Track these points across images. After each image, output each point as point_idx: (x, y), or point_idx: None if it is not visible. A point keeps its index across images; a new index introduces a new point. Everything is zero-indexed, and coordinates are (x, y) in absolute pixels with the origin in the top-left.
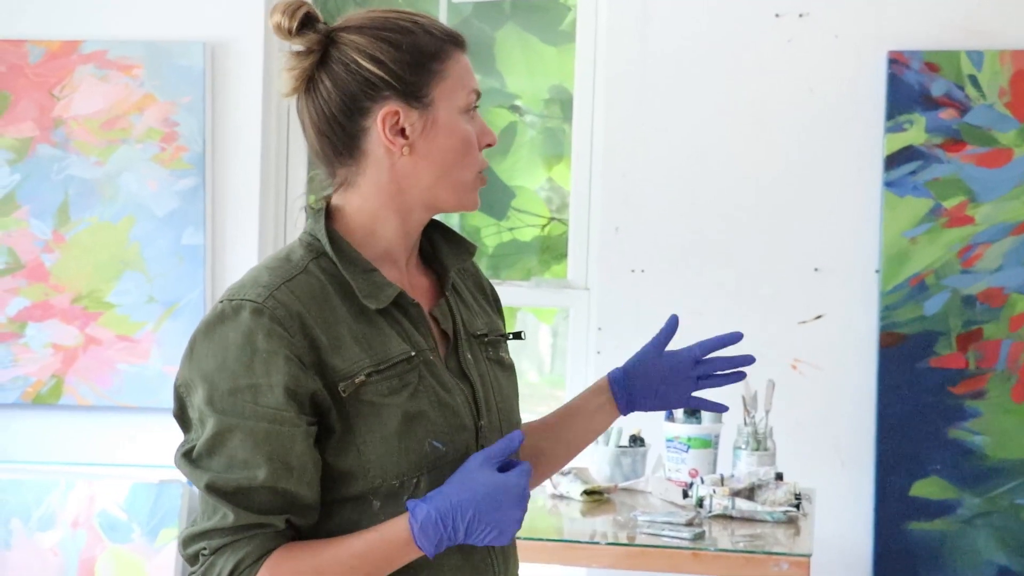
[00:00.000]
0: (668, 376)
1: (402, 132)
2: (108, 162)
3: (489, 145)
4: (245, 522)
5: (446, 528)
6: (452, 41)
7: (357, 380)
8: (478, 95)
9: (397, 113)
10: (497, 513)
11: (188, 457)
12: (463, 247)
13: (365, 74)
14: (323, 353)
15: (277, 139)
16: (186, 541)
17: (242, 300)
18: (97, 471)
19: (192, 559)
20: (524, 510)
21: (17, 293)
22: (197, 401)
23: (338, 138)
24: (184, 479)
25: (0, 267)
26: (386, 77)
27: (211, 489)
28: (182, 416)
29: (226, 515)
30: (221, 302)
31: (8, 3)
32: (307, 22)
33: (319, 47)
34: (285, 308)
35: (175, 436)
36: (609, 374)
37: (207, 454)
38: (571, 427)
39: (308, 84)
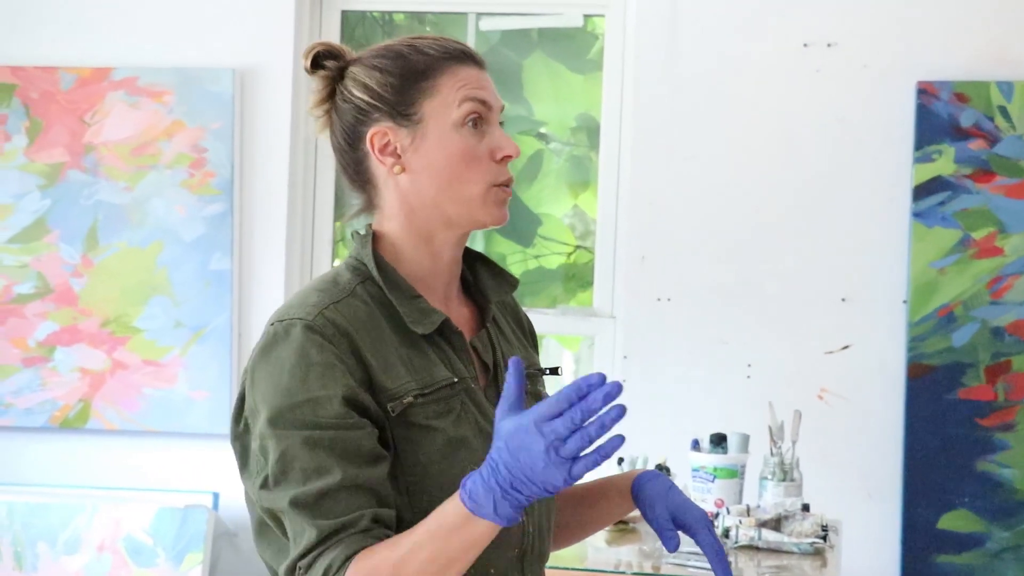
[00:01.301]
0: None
1: (394, 152)
2: (137, 188)
3: (507, 157)
4: (329, 530)
5: (496, 488)
6: (447, 57)
7: (405, 400)
8: (485, 105)
9: (386, 133)
10: (521, 453)
11: (266, 487)
12: (505, 280)
13: (356, 101)
14: (372, 372)
15: (305, 165)
16: (287, 572)
17: (292, 319)
18: (123, 495)
19: None
20: (550, 441)
21: (46, 317)
22: (259, 428)
23: (351, 167)
24: (210, 504)
25: (30, 291)
26: (372, 100)
27: (296, 505)
28: (243, 453)
29: (309, 531)
30: (272, 324)
31: (41, 31)
32: (316, 62)
33: (329, 84)
34: (334, 326)
35: (201, 460)
36: (635, 482)
37: (282, 474)
38: (594, 507)
39: (328, 120)
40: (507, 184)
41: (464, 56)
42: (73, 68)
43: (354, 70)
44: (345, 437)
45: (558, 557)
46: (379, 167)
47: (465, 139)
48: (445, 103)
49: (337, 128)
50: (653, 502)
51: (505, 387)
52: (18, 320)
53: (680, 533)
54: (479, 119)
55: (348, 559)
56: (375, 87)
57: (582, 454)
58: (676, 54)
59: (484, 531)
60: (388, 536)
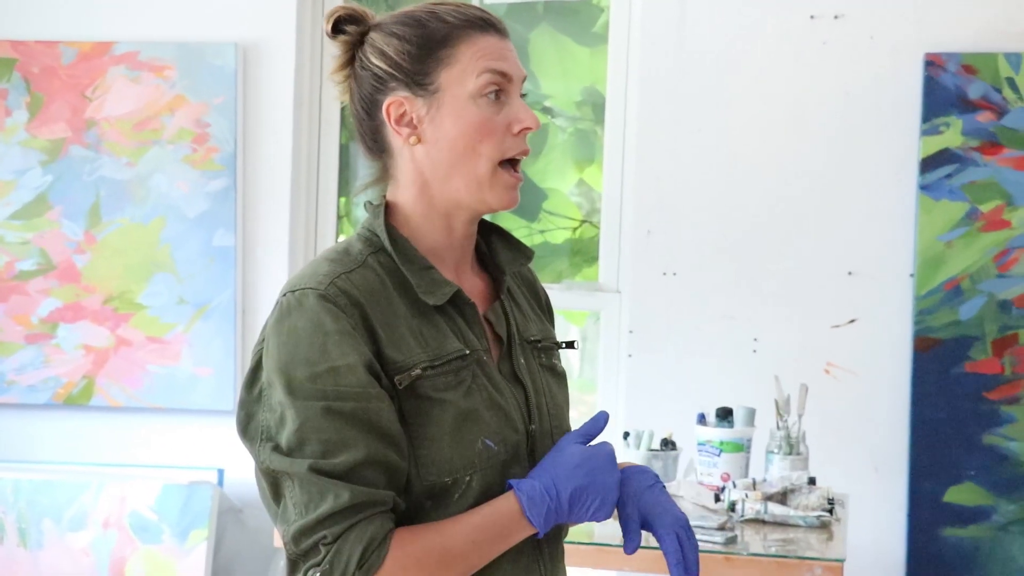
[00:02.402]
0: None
1: (410, 122)
2: (139, 163)
3: (526, 129)
4: (362, 499)
5: (552, 499)
6: (468, 25)
7: (413, 373)
8: (504, 76)
9: (402, 103)
10: (594, 478)
11: (279, 451)
12: (521, 252)
13: (374, 69)
14: (381, 345)
15: (308, 140)
16: (299, 535)
17: (304, 289)
18: (128, 472)
19: (309, 552)
20: (617, 477)
21: (49, 294)
22: (277, 397)
23: (368, 135)
24: (215, 481)
25: (32, 268)
26: (389, 69)
27: (318, 472)
28: (248, 423)
29: (339, 495)
30: (284, 295)
31: (41, 5)
32: (337, 27)
33: (349, 50)
34: (346, 296)
35: (205, 437)
36: None
37: (299, 444)
38: None
39: (348, 87)
40: (522, 155)
41: (485, 24)
42: (74, 42)
43: (373, 36)
44: (367, 409)
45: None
46: (395, 137)
47: (482, 110)
48: (463, 73)
49: (356, 95)
50: (626, 500)
51: (594, 420)
52: (21, 297)
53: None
54: (499, 91)
55: (386, 538)
56: (392, 55)
57: None
58: (682, 27)
59: (523, 534)
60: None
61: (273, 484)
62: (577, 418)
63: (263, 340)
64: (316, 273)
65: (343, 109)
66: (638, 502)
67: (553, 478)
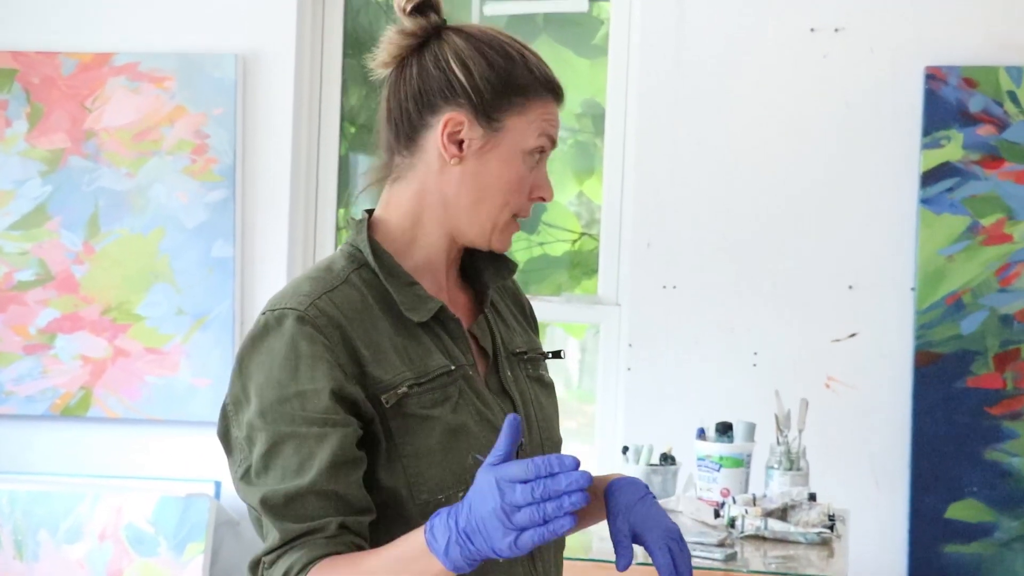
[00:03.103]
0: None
1: (459, 143)
2: (139, 174)
3: (542, 199)
4: (293, 536)
5: (452, 529)
6: (547, 86)
7: (400, 391)
8: (553, 144)
9: (462, 122)
10: (478, 505)
11: (246, 479)
12: (504, 265)
13: (450, 75)
14: (365, 364)
15: (308, 152)
16: (251, 568)
17: (284, 309)
18: (125, 484)
19: None
20: (505, 503)
21: (47, 304)
22: (247, 417)
23: (404, 125)
24: (212, 493)
25: (31, 278)
26: (467, 85)
27: (264, 504)
28: (225, 436)
29: (273, 535)
30: (264, 314)
31: (41, 15)
32: (423, 8)
33: (423, 34)
34: (326, 317)
35: (203, 449)
36: (607, 488)
37: (263, 470)
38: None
39: (399, 65)
40: (524, 217)
41: (557, 90)
42: (74, 53)
43: (458, 42)
44: (328, 435)
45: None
46: (434, 147)
47: (524, 167)
48: (527, 127)
49: (411, 83)
50: (616, 513)
51: (499, 439)
52: (19, 307)
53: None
54: (542, 154)
55: (309, 564)
56: (476, 75)
57: (531, 527)
58: (682, 39)
59: (439, 572)
60: (356, 544)
61: (252, 509)
62: (576, 429)
63: (239, 358)
64: (297, 293)
65: (342, 121)
66: (628, 515)
67: (459, 505)
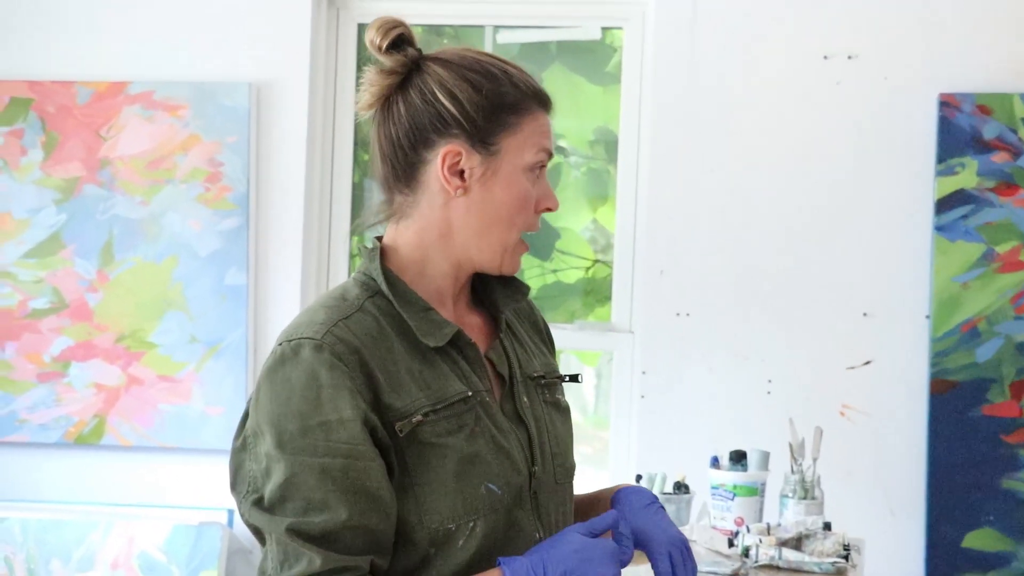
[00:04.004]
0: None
1: (460, 174)
2: (152, 202)
3: (548, 209)
4: (334, 565)
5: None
6: (536, 98)
7: (415, 419)
8: (549, 156)
9: (460, 153)
10: (588, 567)
11: (260, 506)
12: (516, 288)
13: (439, 107)
14: (380, 392)
15: (321, 179)
16: None
17: (301, 339)
18: (137, 512)
19: None
20: (616, 571)
21: (61, 332)
22: (264, 448)
23: (400, 164)
24: (224, 521)
25: (45, 306)
26: (458, 115)
27: (295, 533)
28: (239, 468)
29: (312, 560)
30: (280, 344)
31: (58, 45)
32: (398, 43)
33: (403, 70)
34: (344, 344)
35: (216, 477)
36: (614, 496)
37: (281, 500)
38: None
39: (384, 104)
40: (533, 232)
41: (545, 100)
42: (89, 82)
43: (440, 72)
44: (355, 468)
45: None
46: (435, 181)
47: (527, 184)
48: (523, 144)
49: (400, 121)
50: (619, 520)
51: (602, 517)
52: (33, 335)
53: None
54: (542, 167)
55: None
56: (465, 103)
57: None
58: (695, 67)
59: None
60: None
61: (257, 534)
62: (591, 455)
63: (255, 390)
64: (312, 322)
65: (356, 149)
66: (633, 521)
67: (544, 559)
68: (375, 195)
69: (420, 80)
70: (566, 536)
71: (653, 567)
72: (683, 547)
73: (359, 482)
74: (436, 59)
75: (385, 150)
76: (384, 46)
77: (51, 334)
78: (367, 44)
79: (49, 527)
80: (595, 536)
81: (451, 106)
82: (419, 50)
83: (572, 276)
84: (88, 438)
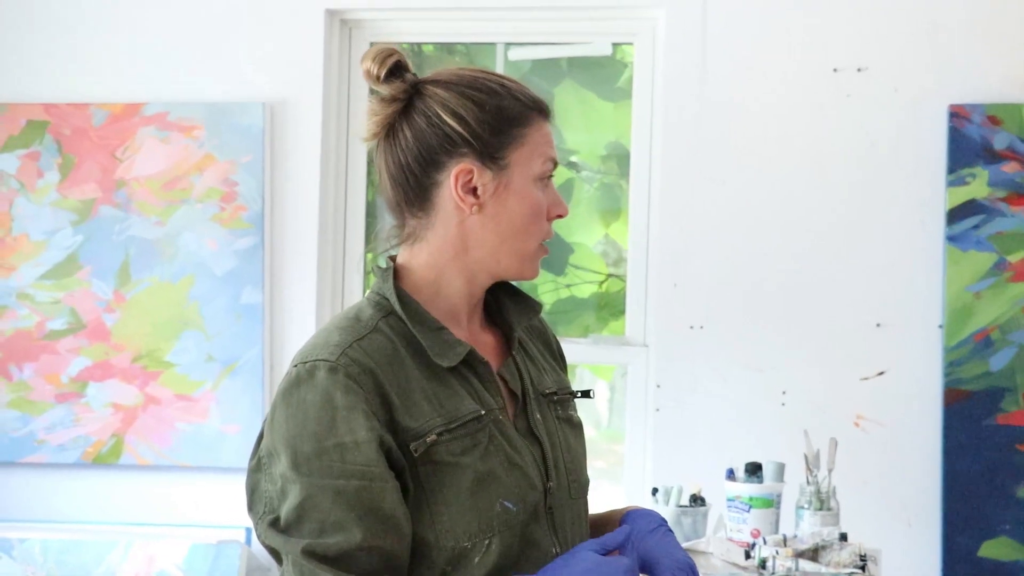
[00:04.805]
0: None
1: (474, 191)
2: (168, 222)
3: (559, 216)
4: None
5: None
6: (536, 108)
7: (429, 439)
8: (555, 164)
9: (471, 171)
10: None
11: (276, 527)
12: (529, 306)
13: (446, 128)
14: (395, 412)
15: (335, 198)
16: None
17: (316, 361)
18: (156, 531)
19: None
20: None
21: (79, 353)
22: (279, 469)
23: (411, 188)
24: (243, 539)
25: (62, 327)
26: (465, 134)
27: (311, 555)
28: (254, 488)
29: None
30: (295, 366)
31: (73, 68)
32: (396, 70)
33: (404, 96)
34: (358, 365)
35: (233, 495)
36: (623, 519)
37: (297, 521)
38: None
39: (388, 131)
40: (549, 239)
41: (545, 109)
42: (104, 104)
43: (442, 94)
44: (370, 489)
45: None
46: (449, 201)
47: (538, 194)
48: (531, 156)
49: (407, 146)
50: (626, 543)
51: (615, 533)
52: (51, 356)
53: None
54: (550, 177)
55: None
56: (471, 121)
57: None
58: (705, 81)
59: None
60: None
61: (273, 554)
62: (605, 468)
63: (271, 411)
64: (327, 343)
65: (369, 167)
66: (639, 545)
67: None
68: (386, 220)
69: (423, 104)
70: (579, 554)
71: None
72: (690, 571)
73: (374, 504)
74: (435, 81)
75: (395, 176)
76: (382, 75)
77: (69, 355)
78: (363, 75)
79: (69, 547)
80: (607, 553)
81: (457, 126)
82: (415, 75)
83: (586, 291)
84: (106, 458)
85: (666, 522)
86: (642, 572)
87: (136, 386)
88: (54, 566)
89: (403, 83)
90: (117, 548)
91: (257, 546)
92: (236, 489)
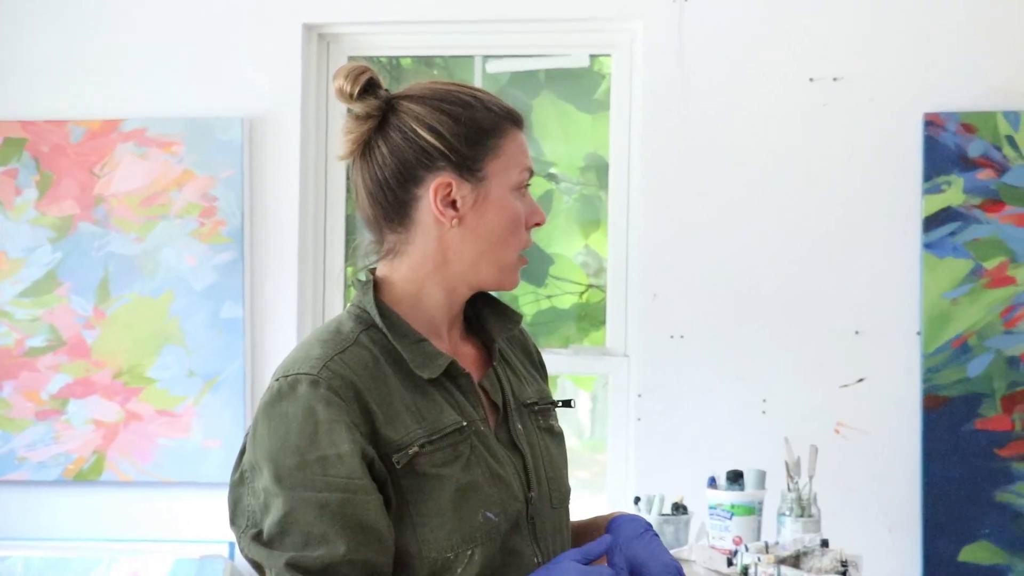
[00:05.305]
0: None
1: (453, 204)
2: (147, 238)
3: (538, 224)
4: None
5: None
6: (510, 118)
7: (411, 451)
8: (531, 173)
9: (450, 185)
10: None
11: (259, 540)
12: (509, 316)
13: (422, 143)
14: (377, 424)
15: (315, 212)
16: None
17: (297, 374)
18: (139, 547)
19: None
20: None
21: (59, 370)
22: (262, 483)
23: (389, 204)
24: (226, 554)
25: (42, 344)
26: (442, 148)
27: (294, 568)
28: (236, 502)
29: None
30: (277, 380)
31: (50, 85)
32: (369, 88)
33: (378, 113)
34: (340, 378)
35: (216, 510)
36: (608, 525)
37: (280, 534)
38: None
39: (364, 148)
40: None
41: (519, 120)
42: (82, 121)
43: (416, 108)
44: (353, 502)
45: None
46: (428, 215)
47: (516, 204)
48: (507, 166)
49: (384, 162)
50: (614, 549)
51: (597, 542)
52: (31, 373)
53: None
54: (526, 185)
55: None
56: (447, 135)
57: None
58: (683, 92)
59: None
60: None
61: (256, 568)
62: (588, 479)
63: (252, 425)
64: (309, 357)
65: (349, 181)
66: (626, 550)
67: None
68: (365, 235)
69: (398, 120)
70: (561, 564)
71: None
72: (677, 574)
73: (357, 516)
74: (408, 96)
75: (373, 192)
76: (355, 93)
77: (49, 372)
78: (336, 93)
79: (52, 565)
80: (590, 562)
81: (434, 140)
82: (388, 91)
83: (566, 301)
84: (88, 475)
85: (651, 527)
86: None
87: (117, 402)
88: None
89: (376, 100)
90: (101, 565)
91: (240, 560)
92: (219, 504)
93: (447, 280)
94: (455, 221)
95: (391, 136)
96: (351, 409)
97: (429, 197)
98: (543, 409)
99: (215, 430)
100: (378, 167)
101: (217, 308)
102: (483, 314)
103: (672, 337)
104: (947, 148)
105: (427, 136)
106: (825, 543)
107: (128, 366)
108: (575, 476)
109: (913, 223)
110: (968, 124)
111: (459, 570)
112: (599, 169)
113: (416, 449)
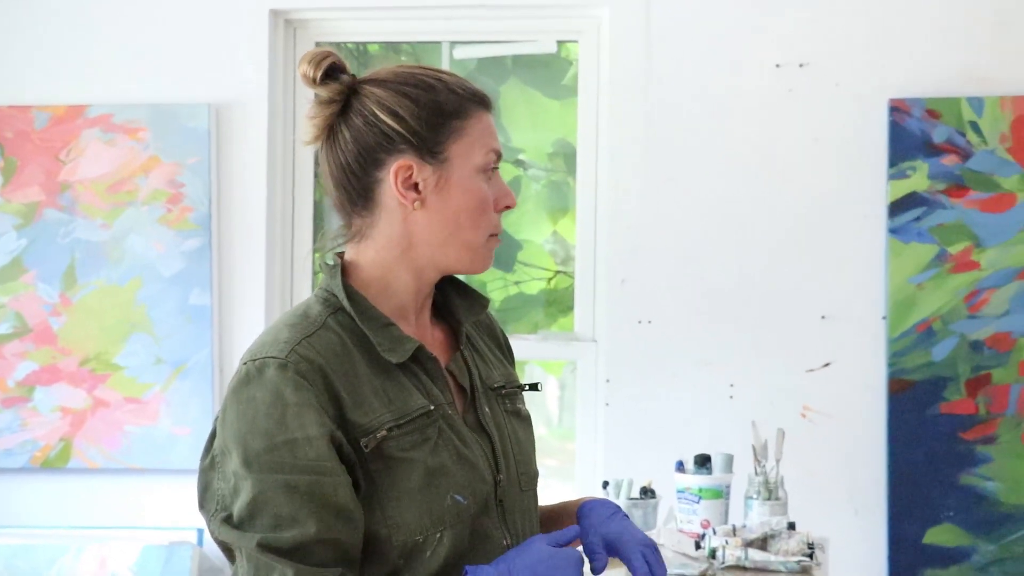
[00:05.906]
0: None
1: (415, 187)
2: (114, 224)
3: (507, 207)
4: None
5: None
6: (474, 100)
7: (379, 435)
8: (499, 155)
9: (411, 167)
10: (555, 573)
11: (229, 523)
12: (476, 301)
13: (382, 127)
14: (345, 408)
15: (282, 199)
16: None
17: (265, 358)
18: (107, 534)
19: None
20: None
21: (25, 357)
22: (231, 467)
23: (353, 188)
24: (194, 541)
25: (8, 331)
26: (402, 131)
27: (266, 548)
28: (206, 487)
29: (284, 573)
30: (244, 363)
31: (14, 70)
32: (331, 72)
33: (341, 97)
34: (308, 362)
35: (184, 497)
36: (579, 509)
37: (250, 516)
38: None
39: (329, 133)
40: (499, 233)
41: (486, 101)
42: (47, 106)
43: (376, 91)
44: (322, 483)
45: None
46: (391, 198)
47: (483, 185)
48: (471, 148)
49: (346, 147)
50: (588, 530)
51: (565, 530)
52: None
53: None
54: (495, 168)
55: None
56: (407, 117)
57: None
58: (650, 77)
59: None
60: None
61: (226, 551)
62: (556, 467)
63: (221, 409)
64: (276, 340)
65: (316, 167)
66: (600, 529)
67: (511, 567)
68: (334, 221)
69: (359, 104)
70: (532, 545)
71: (629, 566)
72: (653, 548)
73: (327, 497)
74: (371, 80)
75: (337, 177)
76: (318, 77)
77: (15, 359)
78: (300, 78)
79: (19, 552)
80: (559, 547)
81: (394, 123)
82: (353, 76)
83: (534, 287)
84: (55, 462)
85: (621, 508)
86: (608, 554)
87: (84, 389)
88: (4, 571)
89: (339, 84)
90: (69, 552)
91: (209, 546)
92: (187, 491)
93: (415, 263)
94: (417, 203)
95: (353, 120)
96: (319, 393)
97: (390, 180)
98: (510, 393)
99: (183, 417)
100: (341, 151)
101: (185, 295)
102: (451, 298)
103: (640, 322)
104: (912, 134)
105: (387, 119)
106: (792, 526)
107: (95, 353)
108: (543, 464)
109: (878, 208)
110: (932, 110)
111: (428, 553)
112: (567, 155)
113: (384, 433)
